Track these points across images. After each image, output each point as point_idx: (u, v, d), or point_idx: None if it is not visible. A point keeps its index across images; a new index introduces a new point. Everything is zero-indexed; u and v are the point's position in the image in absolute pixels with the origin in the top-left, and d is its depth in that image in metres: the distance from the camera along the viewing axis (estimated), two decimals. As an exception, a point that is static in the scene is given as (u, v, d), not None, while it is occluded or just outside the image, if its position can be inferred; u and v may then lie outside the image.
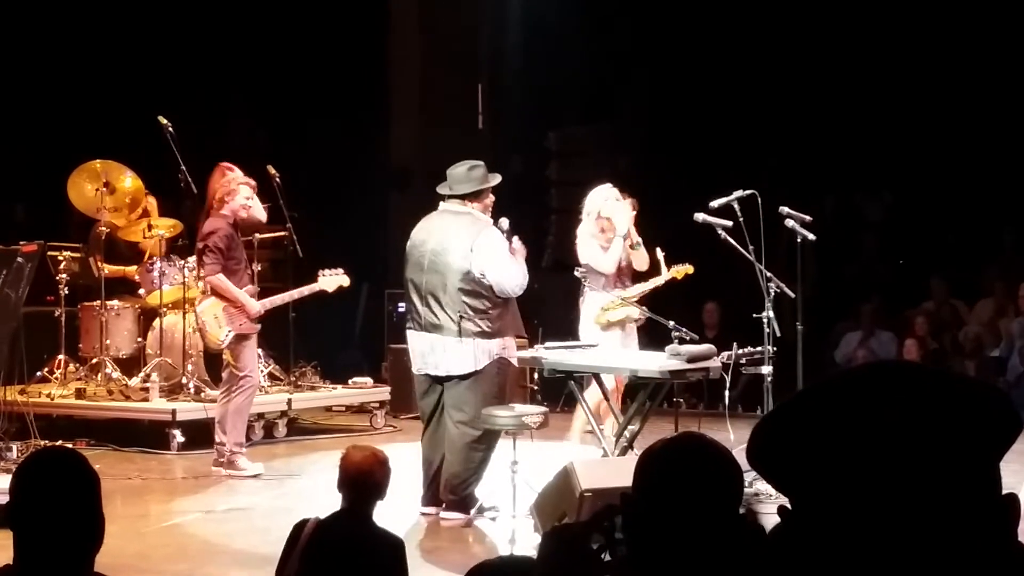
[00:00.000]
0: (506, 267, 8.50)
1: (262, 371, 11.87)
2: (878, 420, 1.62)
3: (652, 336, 10.60)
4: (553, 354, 9.68)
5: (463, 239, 8.52)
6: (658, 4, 15.67)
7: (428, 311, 8.65)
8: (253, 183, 10.33)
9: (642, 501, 2.77)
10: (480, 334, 8.46)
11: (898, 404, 1.63)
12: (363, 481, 5.30)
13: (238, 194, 10.16)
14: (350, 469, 5.34)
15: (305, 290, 10.61)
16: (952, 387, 1.67)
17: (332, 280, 10.60)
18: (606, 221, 9.96)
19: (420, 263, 8.69)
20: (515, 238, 8.76)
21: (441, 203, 8.79)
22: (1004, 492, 1.66)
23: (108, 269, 12.18)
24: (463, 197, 8.67)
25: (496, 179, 8.84)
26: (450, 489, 8.57)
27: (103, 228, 12.15)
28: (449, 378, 8.60)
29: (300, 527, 5.22)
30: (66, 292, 12.05)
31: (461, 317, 8.47)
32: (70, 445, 10.03)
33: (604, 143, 16.33)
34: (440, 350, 8.60)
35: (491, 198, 8.79)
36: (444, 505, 8.62)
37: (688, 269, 11.98)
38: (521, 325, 8.91)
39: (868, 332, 14.16)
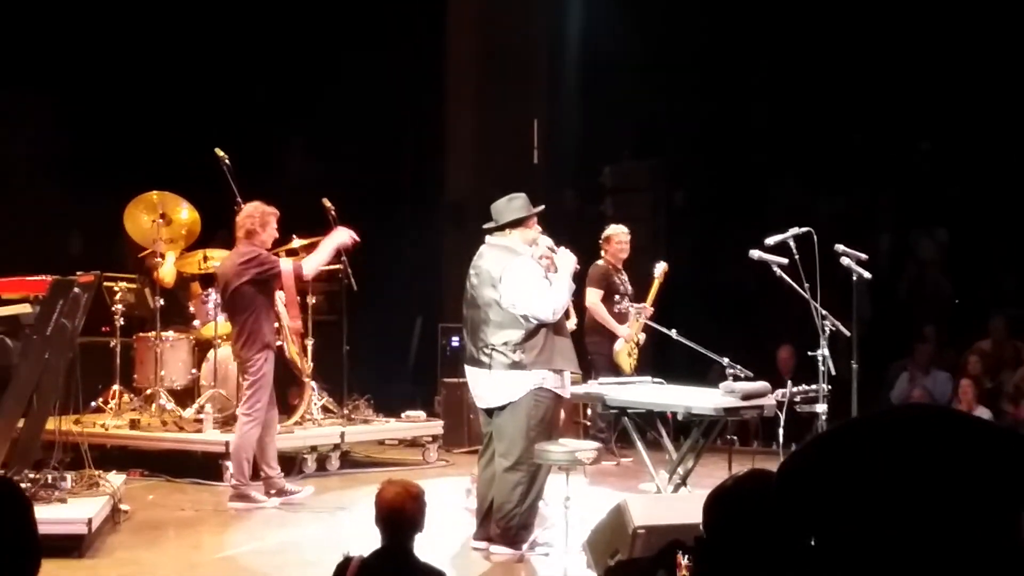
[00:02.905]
0: (534, 295, 8.42)
1: (315, 404, 11.89)
2: (901, 466, 1.61)
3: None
4: (607, 390, 9.66)
5: (494, 271, 8.54)
6: (713, 38, 15.66)
7: (471, 345, 8.71)
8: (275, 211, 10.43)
9: (712, 537, 2.75)
10: (513, 366, 8.41)
11: (922, 451, 1.62)
12: (397, 517, 5.31)
13: (270, 225, 10.26)
14: (384, 506, 5.35)
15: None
16: (979, 435, 1.66)
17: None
18: None
19: (467, 298, 8.76)
20: (561, 249, 8.72)
21: (487, 237, 8.80)
22: None
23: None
24: (504, 227, 8.67)
25: (539, 208, 8.81)
26: (497, 522, 8.54)
27: (157, 260, 12.23)
28: (492, 410, 8.60)
29: (344, 567, 5.22)
30: (121, 323, 12.14)
31: (493, 349, 8.47)
32: (123, 474, 10.09)
33: (658, 178, 16.31)
34: (482, 382, 8.63)
35: (537, 229, 8.77)
36: (493, 538, 8.59)
37: (663, 267, 12.00)
38: (573, 359, 8.77)
39: (923, 371, 14.03)
